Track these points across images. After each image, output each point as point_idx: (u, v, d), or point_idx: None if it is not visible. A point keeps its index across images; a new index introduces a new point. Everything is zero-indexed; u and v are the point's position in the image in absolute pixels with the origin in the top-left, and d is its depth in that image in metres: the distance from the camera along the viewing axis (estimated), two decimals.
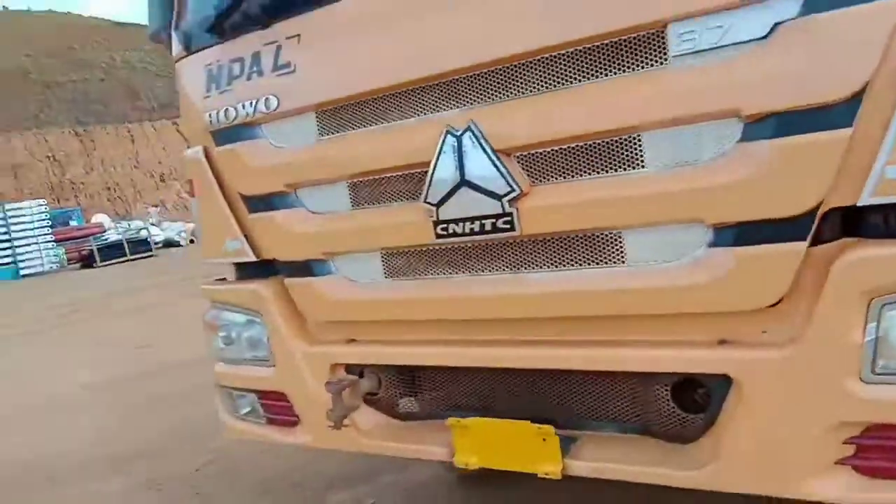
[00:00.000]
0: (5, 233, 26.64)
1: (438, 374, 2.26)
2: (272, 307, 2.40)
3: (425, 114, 1.93)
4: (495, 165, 1.82)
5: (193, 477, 4.47)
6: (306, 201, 2.25)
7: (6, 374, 9.07)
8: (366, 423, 2.31)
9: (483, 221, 1.87)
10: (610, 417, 2.00)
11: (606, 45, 1.67)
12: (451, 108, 1.89)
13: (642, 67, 1.64)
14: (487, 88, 1.84)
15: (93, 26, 75.37)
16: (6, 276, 25.66)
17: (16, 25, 69.58)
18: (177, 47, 2.51)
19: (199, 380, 6.63)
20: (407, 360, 2.21)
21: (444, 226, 1.93)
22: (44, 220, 28.23)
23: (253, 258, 2.44)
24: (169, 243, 30.92)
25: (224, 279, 2.78)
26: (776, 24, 1.48)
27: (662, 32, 1.60)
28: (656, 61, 1.62)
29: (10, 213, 27.11)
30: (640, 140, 1.68)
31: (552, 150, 1.79)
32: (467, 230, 1.90)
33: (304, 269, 2.29)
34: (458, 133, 1.85)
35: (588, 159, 1.75)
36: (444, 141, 1.87)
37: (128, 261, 27.00)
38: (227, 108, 2.30)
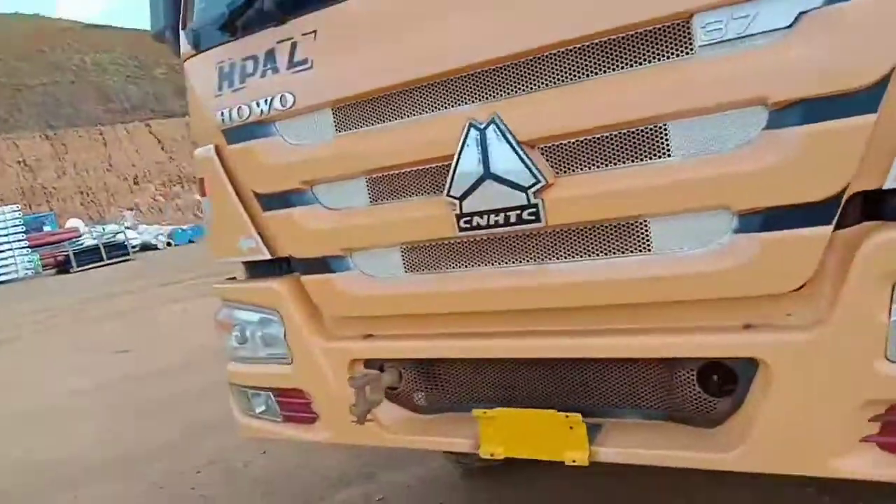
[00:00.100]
0: None
1: (459, 367, 2.28)
2: (289, 304, 2.39)
3: (447, 108, 1.94)
4: (520, 157, 1.83)
5: (195, 478, 4.45)
6: (323, 198, 2.25)
7: None
8: (387, 417, 2.31)
9: (508, 213, 1.88)
10: (634, 404, 2.03)
11: (632, 36, 1.69)
12: (474, 101, 1.89)
13: (668, 58, 1.67)
14: (511, 81, 1.85)
15: (62, 28, 74.13)
16: None
17: None
18: (185, 46, 2.49)
19: (184, 384, 6.66)
20: (430, 353, 2.22)
21: (468, 219, 1.94)
22: (17, 225, 27.75)
23: (268, 256, 2.43)
24: (146, 247, 30.58)
25: (234, 278, 2.77)
26: (801, 14, 1.51)
27: (688, 23, 1.62)
28: (682, 51, 1.65)
29: None
30: (666, 129, 1.71)
31: (577, 140, 1.80)
32: (491, 222, 1.91)
33: (322, 265, 2.29)
34: (482, 126, 1.86)
35: (613, 149, 1.78)
36: (467, 134, 1.88)
37: (105, 265, 26.66)
38: (239, 107, 2.29)
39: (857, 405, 1.62)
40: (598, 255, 1.87)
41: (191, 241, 31.41)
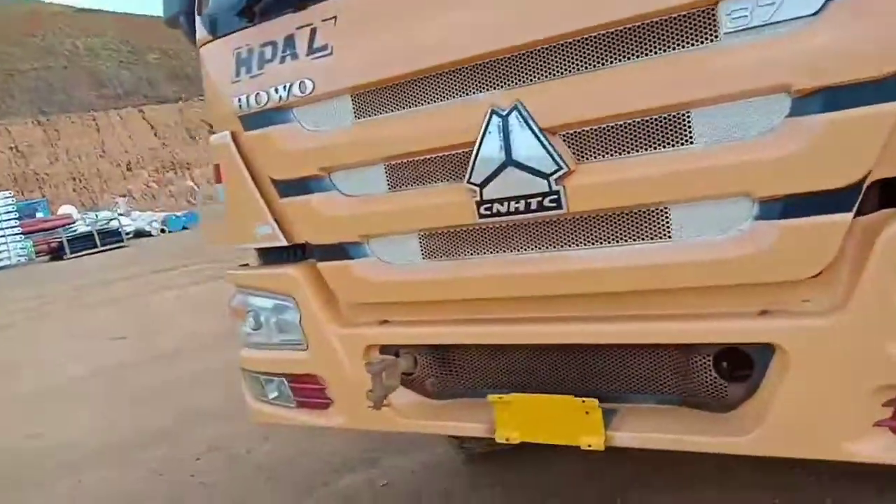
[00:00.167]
0: None
1: (474, 353, 2.29)
2: (305, 291, 2.40)
3: (468, 95, 1.95)
4: (542, 144, 1.84)
5: (195, 465, 4.47)
6: (340, 185, 2.26)
7: None
8: (401, 402, 2.33)
9: (529, 200, 1.89)
10: (649, 389, 2.05)
11: (657, 23, 1.69)
12: (496, 88, 1.90)
13: (693, 45, 1.68)
14: (534, 68, 1.85)
15: (54, 13, 73.40)
16: None
17: None
18: (201, 32, 2.48)
19: (180, 371, 6.69)
20: (447, 339, 2.24)
21: (489, 205, 1.95)
22: (10, 212, 27.59)
23: (284, 243, 2.44)
24: (140, 233, 30.46)
25: (247, 265, 2.77)
26: (827, 1, 1.52)
27: (714, 10, 1.63)
28: (707, 38, 1.66)
29: None
30: (689, 116, 1.72)
31: (599, 128, 1.81)
32: (512, 209, 1.93)
33: (339, 252, 2.30)
34: (504, 113, 1.87)
35: (636, 136, 1.79)
36: (489, 121, 1.89)
37: (98, 252, 26.55)
38: (258, 93, 2.29)
39: (871, 390, 1.65)
40: (618, 241, 1.88)
41: (185, 228, 31.29)
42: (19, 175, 47.18)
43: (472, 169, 1.94)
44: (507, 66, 1.88)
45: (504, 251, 2.04)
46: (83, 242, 27.08)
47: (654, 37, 1.71)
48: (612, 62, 1.77)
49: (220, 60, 2.42)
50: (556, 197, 1.87)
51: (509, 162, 1.89)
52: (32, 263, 27.22)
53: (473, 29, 1.89)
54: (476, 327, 2.16)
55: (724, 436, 1.87)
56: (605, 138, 1.82)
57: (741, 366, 1.88)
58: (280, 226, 2.42)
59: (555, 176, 1.85)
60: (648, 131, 1.77)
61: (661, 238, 1.83)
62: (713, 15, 1.64)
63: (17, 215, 28.08)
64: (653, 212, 1.83)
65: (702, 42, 1.67)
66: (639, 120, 1.77)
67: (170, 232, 30.68)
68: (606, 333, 1.97)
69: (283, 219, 2.42)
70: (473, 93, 1.94)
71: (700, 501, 3.04)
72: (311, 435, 4.35)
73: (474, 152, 1.93)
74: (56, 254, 27.05)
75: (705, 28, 1.66)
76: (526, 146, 1.86)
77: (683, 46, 1.69)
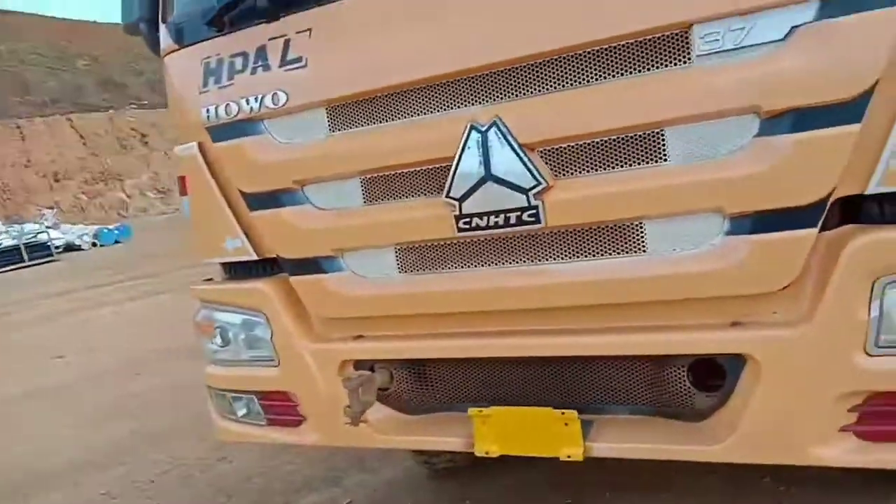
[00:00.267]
0: None
1: (450, 367, 2.30)
2: (276, 305, 2.37)
3: (447, 110, 1.97)
4: (521, 160, 1.88)
5: (150, 487, 4.32)
6: (314, 198, 2.24)
7: None
8: (377, 418, 2.31)
9: (508, 215, 1.92)
10: (625, 401, 2.10)
11: (633, 44, 1.76)
12: (475, 103, 1.93)
13: (667, 66, 1.74)
14: (513, 85, 1.89)
15: None
16: None
17: None
18: (166, 40, 2.43)
19: (124, 389, 6.47)
20: (425, 353, 2.24)
21: (467, 220, 1.97)
22: None
23: (254, 257, 2.40)
24: (70, 247, 29.20)
25: (211, 280, 2.71)
26: (793, 28, 1.61)
27: (687, 33, 1.70)
28: (681, 60, 1.73)
29: None
30: (663, 135, 1.79)
31: (577, 144, 1.86)
32: (491, 223, 1.95)
33: (312, 266, 2.28)
34: (484, 128, 1.90)
35: (612, 153, 1.84)
36: (468, 136, 1.91)
37: (26, 267, 25.31)
38: (227, 104, 2.25)
39: (837, 397, 1.74)
40: (595, 255, 1.93)
41: (117, 242, 30.19)
42: None
43: (451, 183, 1.96)
44: (486, 83, 1.91)
45: (482, 265, 2.06)
46: (9, 257, 25.77)
47: (630, 57, 1.77)
48: (589, 81, 1.82)
49: (186, 70, 2.37)
50: (534, 211, 1.90)
51: (488, 177, 1.92)
52: None
53: (453, 44, 1.91)
54: (453, 341, 2.17)
55: (698, 444, 1.93)
56: (583, 154, 1.87)
57: (714, 376, 1.95)
58: (250, 239, 2.38)
59: (533, 191, 1.89)
60: (624, 148, 1.83)
61: (636, 252, 1.89)
62: (687, 38, 1.71)
63: None
64: (628, 226, 1.88)
65: (676, 63, 1.74)
66: (615, 137, 1.83)
67: (101, 246, 29.53)
68: (583, 346, 2.01)
69: (252, 232, 2.38)
70: (452, 108, 1.96)
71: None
72: (270, 453, 4.27)
73: (453, 167, 1.95)
74: None
75: (679, 50, 1.73)
76: (505, 161, 1.89)
77: (658, 67, 1.76)
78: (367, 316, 2.29)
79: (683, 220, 1.82)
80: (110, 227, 32.59)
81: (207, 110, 2.30)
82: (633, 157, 1.83)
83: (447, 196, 1.97)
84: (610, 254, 1.92)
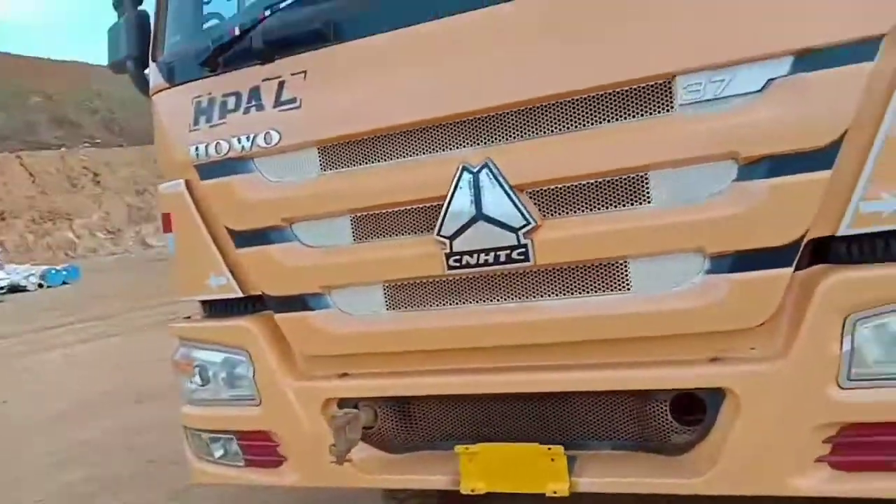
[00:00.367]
0: None
1: (435, 404, 2.32)
2: (261, 343, 2.36)
3: (439, 151, 2.03)
4: (512, 200, 1.95)
5: None
6: (302, 235, 2.26)
7: None
8: (360, 457, 2.30)
9: (498, 253, 1.98)
10: (609, 436, 2.15)
11: (619, 92, 1.86)
12: (467, 146, 2.00)
13: (651, 114, 1.85)
14: (504, 128, 1.97)
15: None
16: None
17: None
18: (156, 78, 2.45)
19: (74, 436, 6.20)
20: (412, 391, 2.25)
21: (458, 257, 2.02)
22: None
23: (239, 294, 2.40)
24: (15, 288, 28.12)
25: (189, 318, 2.68)
26: (769, 80, 1.73)
27: (671, 83, 1.81)
28: (664, 109, 1.83)
29: None
30: (647, 178, 1.88)
31: (565, 186, 1.94)
32: (481, 261, 2.00)
33: (299, 303, 2.29)
34: (475, 170, 1.96)
35: (598, 195, 1.92)
36: (460, 176, 1.98)
37: None
38: (217, 142, 2.28)
39: (812, 429, 1.82)
40: (581, 293, 1.99)
41: (65, 283, 29.21)
42: None
43: (443, 222, 2.01)
44: (478, 126, 1.99)
45: (471, 302, 2.10)
46: None
47: (616, 105, 1.87)
48: (578, 126, 1.91)
49: (176, 108, 2.40)
50: (523, 250, 1.96)
51: (480, 216, 1.98)
52: None
53: (447, 89, 1.99)
54: (440, 378, 2.19)
55: (680, 478, 1.99)
56: (570, 196, 1.95)
57: (694, 411, 2.02)
58: (235, 276, 2.38)
59: (523, 230, 1.95)
60: (610, 190, 1.92)
61: (621, 290, 1.96)
62: (670, 88, 1.82)
63: None
64: (614, 265, 1.96)
65: (659, 112, 1.84)
66: (601, 180, 1.91)
67: (48, 287, 28.53)
68: (569, 382, 2.06)
69: (238, 269, 2.38)
70: (445, 150, 2.02)
71: None
72: (229, 498, 4.15)
73: (445, 206, 2.00)
74: None
75: (663, 99, 1.83)
76: (496, 201, 1.96)
77: (643, 115, 1.86)
78: (353, 353, 2.29)
79: (666, 259, 1.90)
80: (58, 267, 31.56)
81: (197, 148, 2.32)
82: (619, 199, 1.91)
83: (438, 234, 2.02)
84: (596, 291, 1.98)
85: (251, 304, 2.47)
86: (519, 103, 1.93)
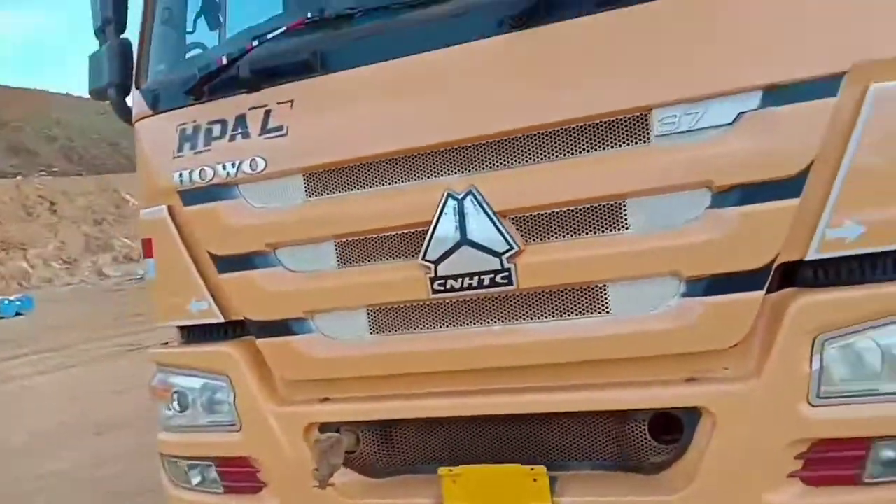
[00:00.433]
0: None
1: (417, 428, 2.33)
2: (243, 368, 2.36)
3: (425, 178, 2.09)
4: (496, 226, 2.01)
5: None
6: (286, 260, 2.28)
7: None
8: (342, 482, 2.29)
9: (482, 277, 2.03)
10: (589, 456, 2.19)
11: (599, 123, 1.94)
12: (451, 173, 2.06)
13: (629, 144, 1.93)
14: (488, 157, 2.03)
15: None
16: None
17: None
18: (140, 106, 2.47)
19: (41, 468, 5.98)
20: (394, 414, 2.26)
21: (442, 282, 2.07)
22: None
23: (221, 319, 2.40)
24: None
25: (167, 343, 2.67)
26: (740, 114, 1.84)
27: (647, 116, 1.90)
28: (641, 139, 1.92)
29: None
30: (624, 205, 1.96)
31: (547, 212, 2.01)
32: (465, 285, 2.05)
33: (281, 328, 2.30)
34: (460, 196, 2.02)
35: (578, 221, 2.00)
36: (445, 203, 2.03)
37: None
38: (202, 169, 2.30)
39: (785, 445, 1.89)
40: (562, 316, 2.05)
41: (18, 314, 28.29)
42: None
43: (428, 247, 2.06)
44: (463, 155, 2.05)
45: (454, 325, 2.14)
46: None
47: (596, 135, 1.95)
48: (559, 155, 1.99)
49: (160, 135, 2.42)
50: (507, 274, 2.02)
51: (464, 241, 2.03)
52: None
53: (433, 119, 2.05)
54: (423, 401, 2.22)
55: (658, 495, 2.04)
56: (552, 222, 2.02)
57: (672, 430, 2.08)
58: (216, 301, 2.39)
59: (506, 255, 2.01)
60: (589, 217, 1.99)
61: (601, 313, 2.03)
62: (647, 120, 1.91)
63: None
64: (593, 289, 2.02)
65: (636, 142, 1.93)
66: (581, 207, 1.99)
67: (1, 318, 27.67)
68: (551, 403, 2.10)
69: (219, 294, 2.39)
70: (430, 177, 2.08)
71: None
72: None
73: (430, 231, 2.05)
74: None
75: (640, 130, 1.92)
76: (480, 227, 2.02)
77: (621, 145, 1.94)
78: (336, 378, 2.31)
79: (643, 283, 1.98)
80: (11, 298, 30.58)
81: (181, 174, 2.34)
82: (598, 226, 1.99)
83: (423, 259, 2.07)
84: (577, 314, 2.04)
85: (231, 330, 2.47)
86: (502, 133, 2.00)
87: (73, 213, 47.01)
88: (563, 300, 2.05)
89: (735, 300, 1.90)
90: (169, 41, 2.56)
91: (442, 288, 2.08)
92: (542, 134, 1.99)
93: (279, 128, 2.20)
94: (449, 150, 2.06)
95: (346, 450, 2.30)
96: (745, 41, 1.82)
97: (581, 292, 2.03)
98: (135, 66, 2.53)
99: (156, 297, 2.52)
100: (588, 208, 1.98)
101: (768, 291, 1.89)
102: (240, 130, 2.26)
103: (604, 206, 1.97)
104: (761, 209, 1.84)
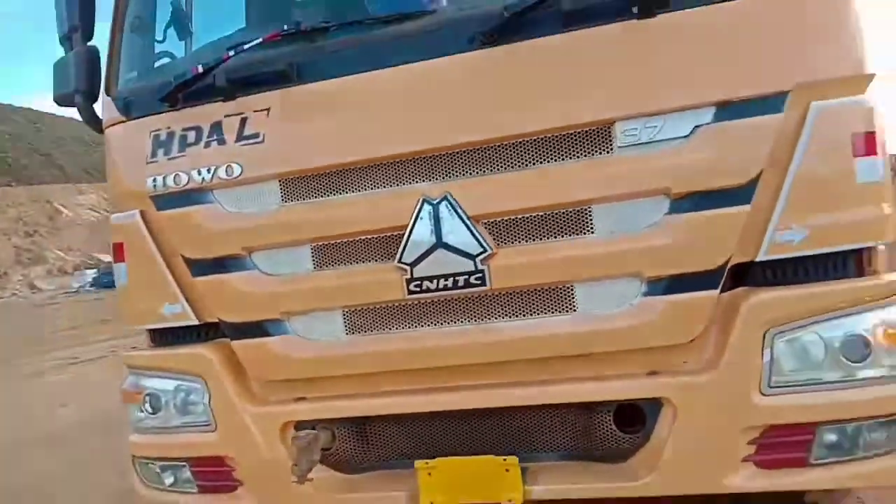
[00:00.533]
0: None
1: (391, 424, 2.41)
2: (218, 370, 2.39)
3: (401, 184, 2.17)
4: (469, 230, 2.11)
5: None
6: (262, 264, 2.33)
7: None
8: (318, 478, 2.34)
9: (457, 278, 2.13)
10: (560, 447, 2.31)
11: (566, 135, 2.07)
12: (427, 180, 2.15)
13: (593, 154, 2.07)
14: (462, 164, 2.14)
15: None
16: None
17: None
18: (110, 112, 2.48)
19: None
20: (370, 411, 2.33)
21: (418, 283, 2.16)
22: None
23: (195, 322, 2.42)
24: None
25: (135, 348, 2.67)
26: (696, 127, 1.99)
27: (610, 128, 2.04)
28: (605, 150, 2.06)
29: None
30: (590, 211, 2.09)
31: (517, 217, 2.12)
32: (441, 286, 2.15)
33: (257, 329, 2.34)
34: (435, 202, 2.12)
35: (547, 225, 2.12)
36: (420, 208, 2.13)
37: None
38: (176, 174, 2.33)
39: (739, 431, 2.05)
40: (533, 314, 2.17)
41: None
42: None
43: (404, 250, 2.15)
44: (437, 162, 2.15)
45: (430, 325, 2.23)
46: None
47: (563, 146, 2.08)
48: (528, 164, 2.11)
49: (131, 141, 2.43)
50: (480, 275, 2.12)
51: (439, 244, 2.13)
52: None
53: (409, 128, 2.14)
54: (397, 398, 2.30)
55: (623, 482, 2.18)
56: (522, 226, 2.14)
57: (635, 421, 2.22)
58: (190, 304, 2.41)
59: (480, 257, 2.12)
60: (557, 222, 2.12)
61: (568, 311, 2.15)
62: (610, 132, 2.05)
63: None
64: (561, 288, 2.15)
65: (600, 153, 2.07)
66: (550, 212, 2.11)
67: None
68: (521, 397, 2.22)
69: (193, 297, 2.42)
70: (406, 183, 2.17)
71: None
72: None
73: (406, 235, 2.14)
74: None
75: (603, 142, 2.06)
76: (454, 231, 2.12)
77: (586, 155, 2.07)
78: (311, 377, 2.36)
79: (607, 283, 2.11)
80: None
81: (154, 180, 2.36)
82: (565, 230, 2.11)
83: (399, 261, 2.15)
84: (546, 313, 2.17)
85: (204, 332, 2.50)
86: (476, 143, 2.11)
87: (4, 225, 44.95)
88: (533, 299, 2.17)
89: (692, 298, 2.05)
90: (141, 48, 2.58)
91: (418, 289, 2.16)
92: (514, 144, 2.10)
93: (255, 135, 2.25)
94: (424, 159, 2.15)
95: (322, 447, 2.36)
96: (700, 61, 1.98)
97: (550, 292, 2.15)
98: (105, 73, 2.52)
99: (127, 300, 2.53)
100: (556, 213, 2.11)
101: (723, 290, 2.05)
102: (215, 137, 2.29)
103: (571, 211, 2.10)
104: (716, 214, 1.99)
